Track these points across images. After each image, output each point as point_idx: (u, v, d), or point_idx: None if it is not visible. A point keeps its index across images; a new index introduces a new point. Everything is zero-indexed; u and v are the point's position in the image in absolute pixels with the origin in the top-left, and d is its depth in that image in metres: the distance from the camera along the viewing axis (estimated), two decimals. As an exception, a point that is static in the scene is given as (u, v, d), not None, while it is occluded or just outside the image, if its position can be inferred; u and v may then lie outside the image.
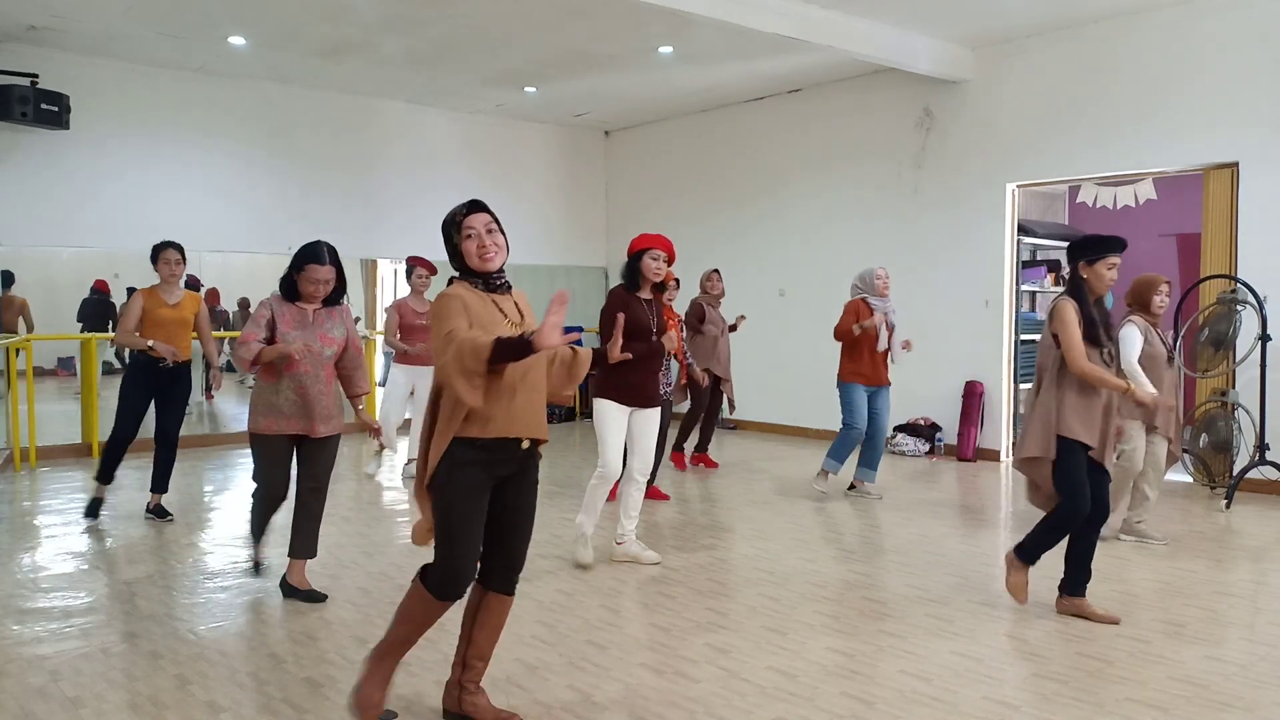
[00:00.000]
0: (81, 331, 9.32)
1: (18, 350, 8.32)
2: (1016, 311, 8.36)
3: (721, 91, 9.87)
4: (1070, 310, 3.98)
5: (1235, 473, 6.56)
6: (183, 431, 6.00)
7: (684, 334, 6.97)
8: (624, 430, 4.89)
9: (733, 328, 7.86)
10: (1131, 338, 5.06)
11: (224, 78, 9.19)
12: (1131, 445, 5.17)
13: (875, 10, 7.27)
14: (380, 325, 9.92)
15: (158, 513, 5.94)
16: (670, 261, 4.97)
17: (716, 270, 7.92)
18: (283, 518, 4.52)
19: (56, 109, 7.95)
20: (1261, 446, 6.47)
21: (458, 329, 2.72)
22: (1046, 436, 3.99)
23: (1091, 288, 4.04)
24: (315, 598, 4.33)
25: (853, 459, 6.77)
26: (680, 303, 7.78)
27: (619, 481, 5.04)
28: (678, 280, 6.85)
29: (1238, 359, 6.67)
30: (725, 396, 7.76)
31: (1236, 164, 6.91)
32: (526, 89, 9.72)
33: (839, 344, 6.53)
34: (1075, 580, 4.13)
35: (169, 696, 3.31)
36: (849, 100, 9.31)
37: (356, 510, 6.33)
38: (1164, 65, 7.19)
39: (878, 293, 6.51)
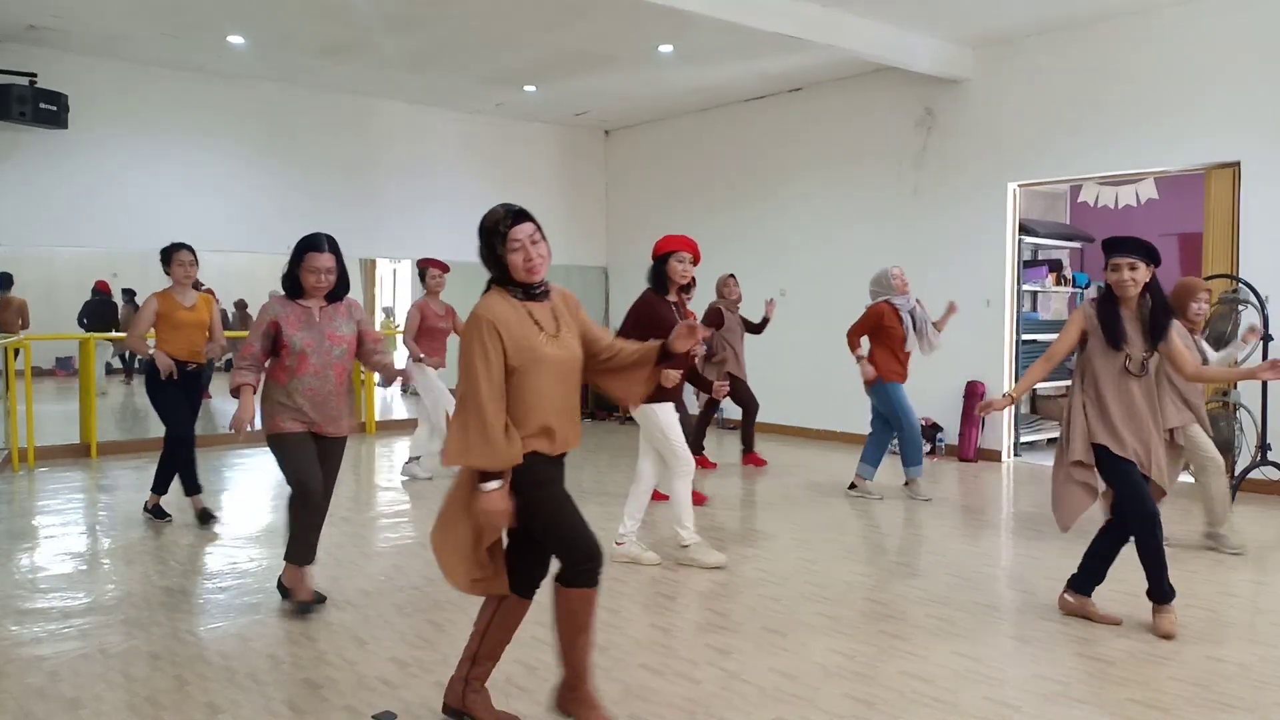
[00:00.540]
0: (86, 331, 9.31)
1: (16, 350, 8.31)
2: (1018, 311, 8.35)
3: (722, 91, 9.86)
4: (1075, 313, 4.02)
5: (1237, 473, 6.55)
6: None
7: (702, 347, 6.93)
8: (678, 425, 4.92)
9: (764, 321, 7.84)
10: None
11: (223, 78, 9.18)
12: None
13: (876, 9, 7.26)
14: (380, 325, 9.96)
15: (202, 518, 5.79)
16: (696, 263, 4.95)
17: (732, 275, 7.92)
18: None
19: (55, 109, 7.94)
20: (1263, 447, 6.46)
21: (479, 392, 2.71)
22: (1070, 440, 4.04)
23: (1114, 291, 3.95)
24: (306, 609, 4.14)
25: (879, 457, 6.79)
26: (696, 305, 7.79)
27: (646, 483, 5.07)
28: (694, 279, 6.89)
29: (1240, 359, 6.65)
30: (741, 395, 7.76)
31: (1238, 163, 6.89)
32: (526, 88, 9.71)
33: (850, 345, 6.53)
34: (1087, 580, 4.10)
35: (168, 697, 3.30)
36: (850, 100, 9.30)
37: (356, 511, 6.32)
38: (1165, 64, 7.18)
39: (898, 291, 6.50)
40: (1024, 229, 8.38)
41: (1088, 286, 9.46)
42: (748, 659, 3.65)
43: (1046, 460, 8.25)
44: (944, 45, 8.07)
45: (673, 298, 4.95)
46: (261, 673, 3.52)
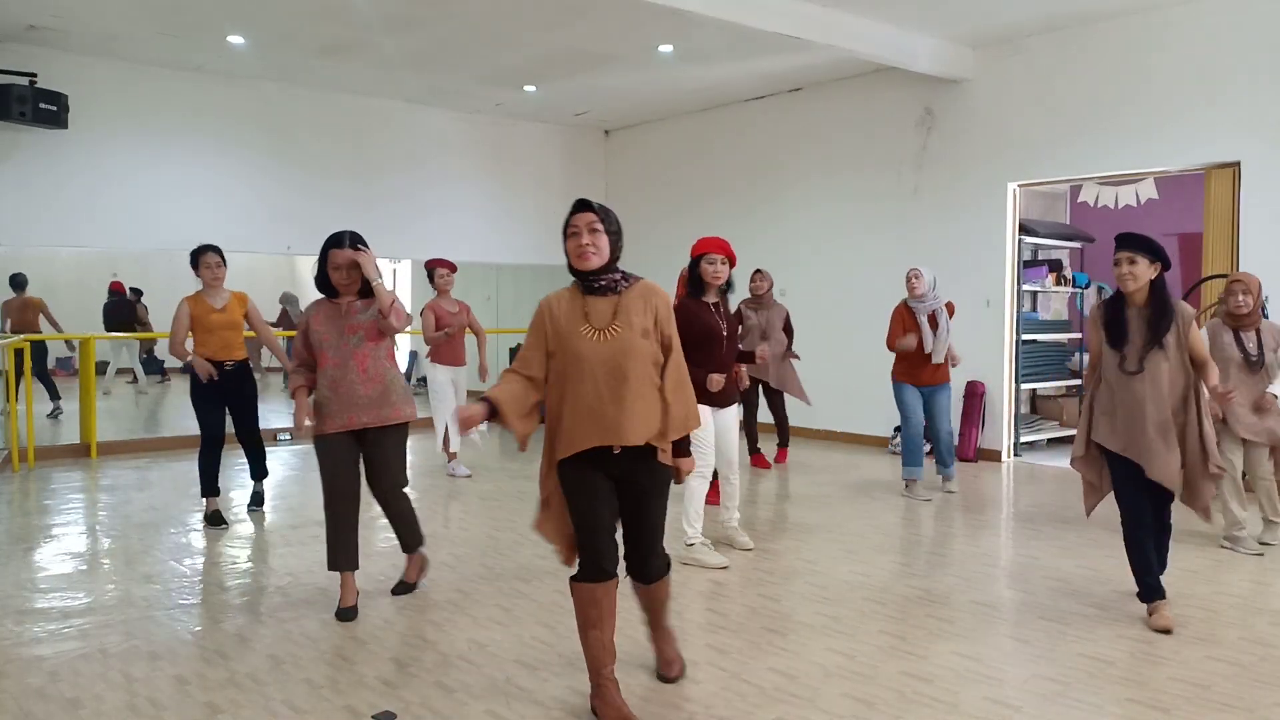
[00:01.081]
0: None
1: (16, 351, 8.31)
2: (1018, 311, 8.34)
3: (722, 90, 9.86)
4: (1093, 311, 4.10)
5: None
6: (182, 432, 5.97)
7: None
8: (714, 430, 4.96)
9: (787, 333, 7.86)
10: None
11: (223, 77, 9.18)
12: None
13: (876, 9, 7.26)
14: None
15: (212, 519, 5.82)
16: (730, 263, 4.93)
17: (759, 270, 7.85)
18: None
19: (55, 109, 7.94)
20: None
21: (518, 362, 3.07)
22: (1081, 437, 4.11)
23: (1119, 288, 3.97)
24: (344, 616, 4.11)
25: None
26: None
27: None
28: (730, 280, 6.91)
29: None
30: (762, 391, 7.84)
31: (1238, 164, 6.89)
32: (526, 88, 9.71)
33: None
34: (1147, 589, 4.07)
35: (167, 698, 3.30)
36: (850, 100, 9.30)
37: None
38: (1166, 65, 7.17)
39: (909, 293, 6.52)
40: (1024, 229, 8.37)
41: (1087, 286, 9.47)
42: (747, 659, 3.65)
43: (1047, 460, 8.25)
44: (944, 45, 8.07)
45: (712, 299, 4.94)
46: (261, 673, 3.52)
